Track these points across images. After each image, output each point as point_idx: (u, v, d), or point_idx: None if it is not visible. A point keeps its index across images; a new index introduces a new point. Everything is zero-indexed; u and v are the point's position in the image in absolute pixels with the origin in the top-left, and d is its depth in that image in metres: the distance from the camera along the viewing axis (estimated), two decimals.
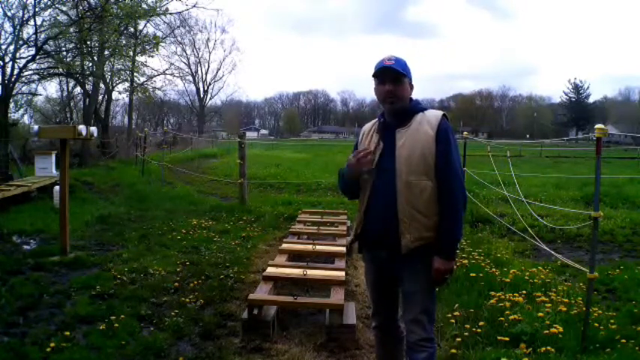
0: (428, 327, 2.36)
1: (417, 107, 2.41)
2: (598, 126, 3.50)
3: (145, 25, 22.20)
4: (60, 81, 25.53)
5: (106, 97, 24.00)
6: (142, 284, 4.67)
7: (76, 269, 5.21)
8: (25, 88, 18.36)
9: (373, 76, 2.40)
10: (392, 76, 2.34)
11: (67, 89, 27.46)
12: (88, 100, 21.75)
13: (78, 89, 24.91)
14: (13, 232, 6.90)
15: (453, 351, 3.29)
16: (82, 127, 5.70)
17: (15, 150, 14.17)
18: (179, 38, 34.14)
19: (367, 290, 2.84)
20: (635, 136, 52.98)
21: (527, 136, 65.24)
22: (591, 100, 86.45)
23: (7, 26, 14.50)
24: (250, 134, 63.99)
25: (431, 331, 2.39)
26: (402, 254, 2.31)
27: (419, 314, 2.35)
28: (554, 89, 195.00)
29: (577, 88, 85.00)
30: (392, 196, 2.31)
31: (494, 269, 4.98)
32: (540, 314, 3.68)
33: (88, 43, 15.35)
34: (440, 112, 2.39)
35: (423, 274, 2.36)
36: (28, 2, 13.20)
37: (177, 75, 34.83)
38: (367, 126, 2.58)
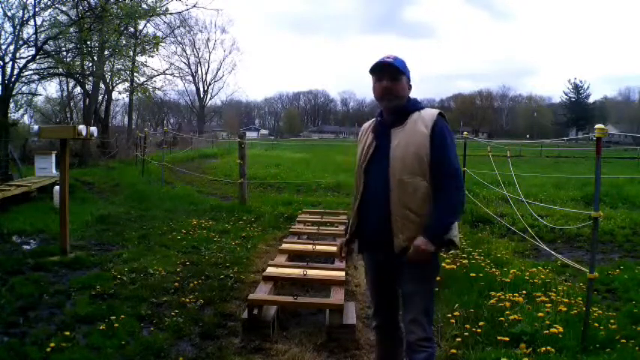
0: (427, 327, 2.36)
1: (414, 106, 2.39)
2: (598, 126, 3.50)
3: (145, 25, 22.30)
4: (60, 81, 25.55)
5: (106, 97, 24.00)
6: (142, 284, 4.67)
7: (76, 269, 5.21)
8: (25, 88, 18.42)
9: (370, 72, 2.38)
10: (389, 73, 2.32)
11: (67, 89, 27.47)
12: (88, 100, 21.76)
13: (78, 89, 24.95)
14: (13, 232, 6.90)
15: (453, 351, 3.29)
16: (82, 127, 5.70)
17: (15, 150, 14.17)
18: (179, 38, 34.25)
19: (367, 290, 2.85)
20: (635, 136, 52.99)
21: (527, 136, 65.24)
22: (591, 100, 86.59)
23: (7, 26, 14.48)
24: (250, 134, 64.00)
25: (430, 332, 2.38)
26: (398, 255, 2.31)
27: (418, 314, 2.34)
28: (554, 89, 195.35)
29: (577, 88, 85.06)
30: (385, 195, 2.30)
31: (494, 269, 4.97)
32: (540, 314, 3.68)
33: (88, 43, 15.35)
34: (436, 111, 2.37)
35: (424, 274, 2.37)
36: (28, 2, 13.22)
37: (177, 75, 35.03)
38: (366, 125, 2.58)
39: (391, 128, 2.37)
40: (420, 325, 2.33)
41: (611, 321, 3.72)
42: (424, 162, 2.27)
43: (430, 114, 2.35)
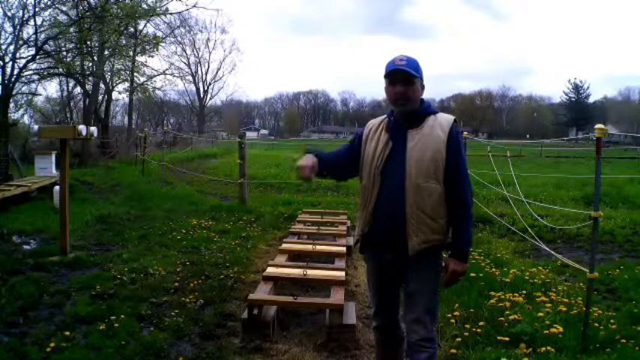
0: (430, 327, 2.36)
1: (429, 110, 2.41)
2: (598, 126, 3.50)
3: (145, 25, 22.27)
4: (60, 81, 25.57)
5: (106, 97, 24.00)
6: (142, 284, 4.67)
7: (76, 269, 5.21)
8: (25, 88, 18.40)
9: (384, 76, 2.38)
10: (403, 77, 2.31)
11: (67, 89, 27.51)
12: (88, 100, 21.76)
13: (78, 89, 24.98)
14: (13, 232, 6.90)
15: (453, 351, 3.30)
16: (82, 127, 5.70)
17: (15, 150, 14.17)
18: (179, 38, 34.37)
19: (368, 290, 2.84)
20: (635, 136, 53.06)
21: (527, 136, 65.32)
22: (591, 100, 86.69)
23: (7, 26, 14.49)
24: (250, 134, 63.96)
25: (432, 332, 2.38)
26: (409, 256, 2.31)
27: (422, 314, 2.34)
28: (554, 89, 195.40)
29: (577, 88, 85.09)
30: (400, 197, 2.30)
31: (494, 269, 4.98)
32: (540, 314, 3.68)
33: (88, 43, 15.35)
34: (451, 117, 2.40)
35: (428, 274, 2.37)
36: (28, 2, 13.22)
37: (177, 75, 35.16)
38: (374, 122, 2.54)
39: (408, 130, 2.36)
40: (422, 324, 2.33)
41: (611, 321, 3.72)
42: (440, 166, 2.29)
43: (447, 119, 2.37)
